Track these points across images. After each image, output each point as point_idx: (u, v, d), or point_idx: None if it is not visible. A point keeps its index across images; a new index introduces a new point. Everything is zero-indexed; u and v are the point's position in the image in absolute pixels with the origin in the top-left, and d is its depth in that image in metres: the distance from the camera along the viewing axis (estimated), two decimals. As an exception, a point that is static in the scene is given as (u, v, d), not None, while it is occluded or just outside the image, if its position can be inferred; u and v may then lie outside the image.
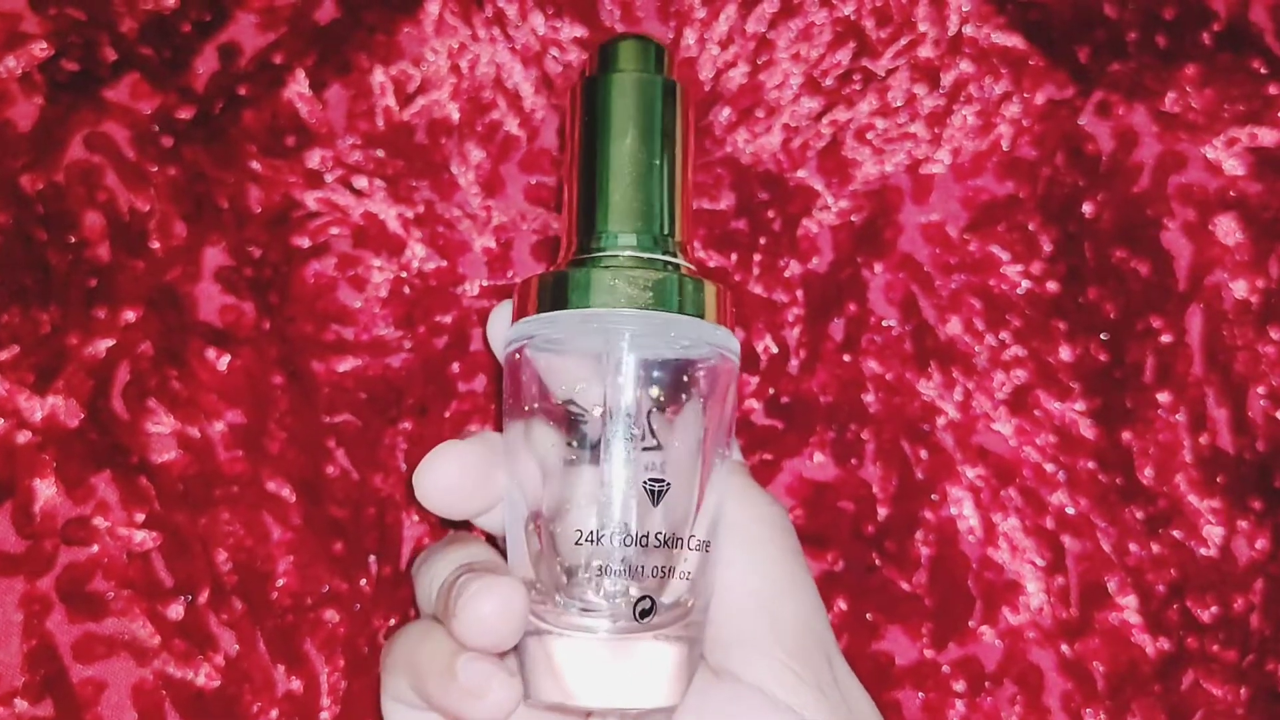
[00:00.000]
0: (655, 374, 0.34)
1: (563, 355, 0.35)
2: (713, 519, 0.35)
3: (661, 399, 0.34)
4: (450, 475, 0.36)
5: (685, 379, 0.35)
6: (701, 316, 0.34)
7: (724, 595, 0.35)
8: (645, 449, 0.34)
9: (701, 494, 0.35)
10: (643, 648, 0.34)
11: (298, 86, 0.51)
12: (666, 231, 0.35)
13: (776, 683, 0.34)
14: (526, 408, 0.35)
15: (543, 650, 0.34)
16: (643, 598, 0.34)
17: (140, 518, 0.47)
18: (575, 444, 0.34)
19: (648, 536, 0.34)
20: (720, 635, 0.35)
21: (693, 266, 0.36)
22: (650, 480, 0.34)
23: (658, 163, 0.35)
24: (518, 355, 0.35)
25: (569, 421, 0.34)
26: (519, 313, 0.35)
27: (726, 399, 0.35)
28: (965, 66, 0.52)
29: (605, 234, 0.35)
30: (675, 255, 0.35)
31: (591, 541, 0.34)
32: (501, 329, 0.37)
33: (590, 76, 0.36)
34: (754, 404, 0.48)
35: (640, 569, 0.34)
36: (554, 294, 0.34)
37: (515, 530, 0.36)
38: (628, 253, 0.35)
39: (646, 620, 0.34)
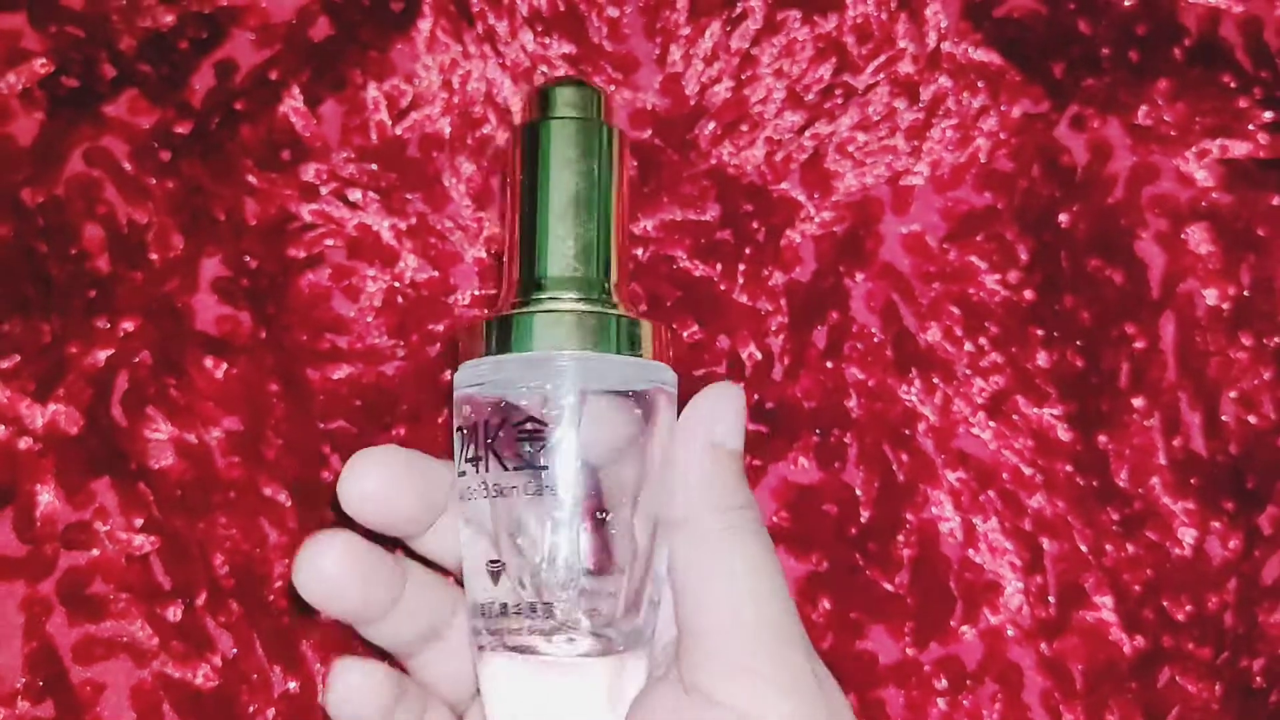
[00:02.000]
0: (596, 408, 0.35)
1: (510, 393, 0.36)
2: (655, 540, 0.36)
3: (604, 432, 0.35)
4: (373, 481, 0.36)
5: (626, 412, 0.35)
6: (638, 355, 0.35)
7: (697, 612, 0.35)
8: (580, 470, 0.34)
9: (639, 515, 0.35)
10: (593, 668, 0.35)
11: (293, 102, 0.52)
12: (603, 275, 0.36)
13: (755, 700, 0.33)
14: (476, 442, 0.35)
15: (496, 671, 0.36)
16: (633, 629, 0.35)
17: (139, 522, 0.47)
18: (519, 478, 0.35)
19: (591, 564, 0.34)
20: (693, 652, 0.35)
21: (629, 306, 0.37)
22: (599, 511, 0.35)
23: (596, 208, 0.36)
24: (464, 396, 0.36)
25: (514, 455, 0.35)
26: (465, 356, 0.36)
27: (665, 427, 0.36)
28: (944, 81, 0.53)
29: (545, 280, 0.36)
30: (612, 297, 0.36)
31: (536, 572, 0.34)
32: None
33: (529, 122, 0.37)
34: (739, 410, 0.50)
35: (586, 594, 0.34)
36: (498, 338, 0.35)
37: (471, 562, 0.36)
38: (568, 296, 0.35)
39: (635, 645, 0.36)
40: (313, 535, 0.36)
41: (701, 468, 0.36)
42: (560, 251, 0.36)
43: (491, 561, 0.35)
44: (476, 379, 0.36)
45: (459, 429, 0.36)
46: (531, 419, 0.34)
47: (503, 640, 0.35)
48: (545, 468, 0.34)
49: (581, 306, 0.35)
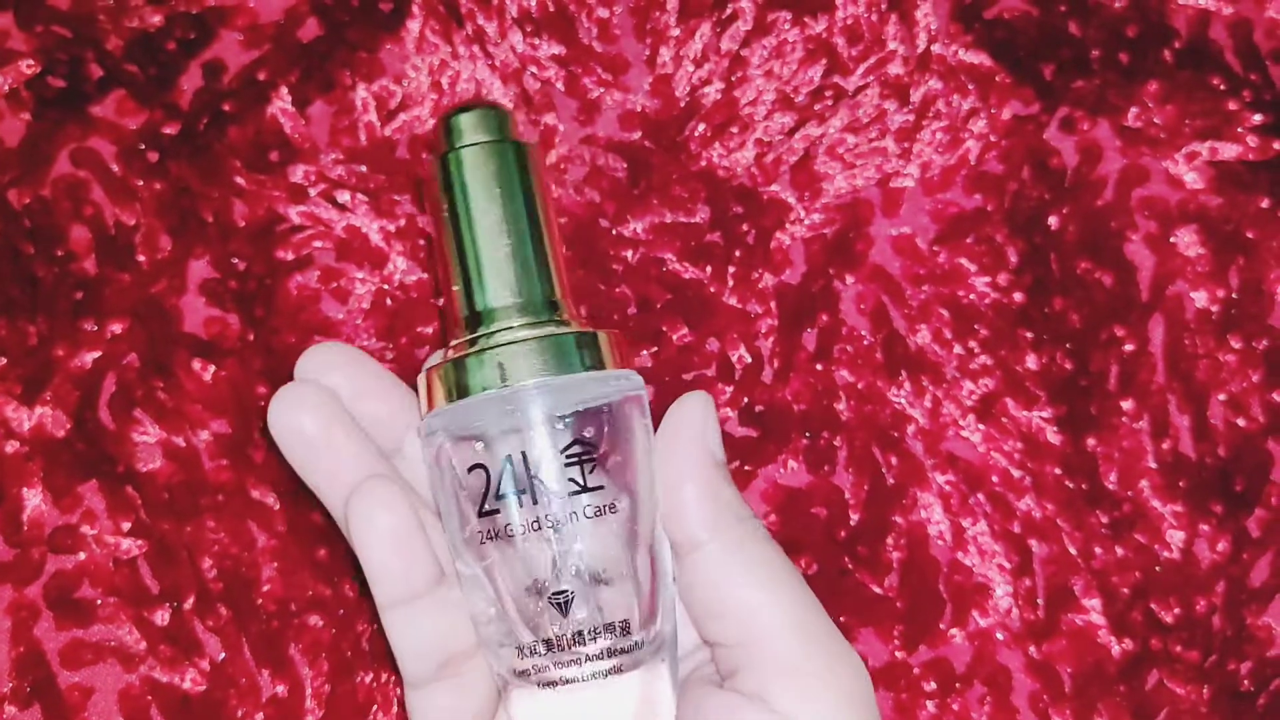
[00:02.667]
0: (571, 430, 0.35)
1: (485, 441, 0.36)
2: (657, 544, 0.36)
3: (584, 451, 0.35)
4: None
5: (600, 426, 0.35)
6: (601, 367, 0.35)
7: (735, 626, 0.35)
8: (575, 493, 0.34)
9: (639, 523, 0.36)
10: (624, 681, 0.35)
11: (281, 103, 0.52)
12: (547, 293, 0.36)
13: (808, 701, 0.34)
14: (512, 479, 0.35)
15: (528, 709, 0.36)
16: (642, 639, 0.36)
17: (127, 526, 0.47)
18: (512, 510, 0.35)
19: (586, 596, 0.35)
20: (741, 661, 0.35)
21: (578, 317, 0.37)
22: (606, 528, 0.35)
23: (524, 227, 0.36)
24: (438, 451, 0.36)
25: (500, 489, 0.35)
26: (428, 405, 0.36)
27: (643, 428, 0.36)
28: (934, 83, 0.53)
29: (491, 311, 0.35)
30: (559, 312, 0.36)
31: (548, 594, 0.35)
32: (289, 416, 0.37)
33: (441, 154, 0.37)
34: (729, 413, 0.50)
35: (599, 609, 0.35)
36: (457, 382, 0.35)
37: (490, 606, 0.36)
38: (517, 323, 0.35)
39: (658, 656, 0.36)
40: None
41: (710, 486, 0.36)
42: (498, 279, 0.36)
43: (557, 592, 0.35)
44: (442, 428, 0.35)
45: (474, 468, 0.35)
46: (579, 441, 0.34)
47: (529, 678, 0.35)
48: (600, 487, 0.34)
49: (533, 332, 0.35)
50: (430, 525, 0.37)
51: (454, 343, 0.36)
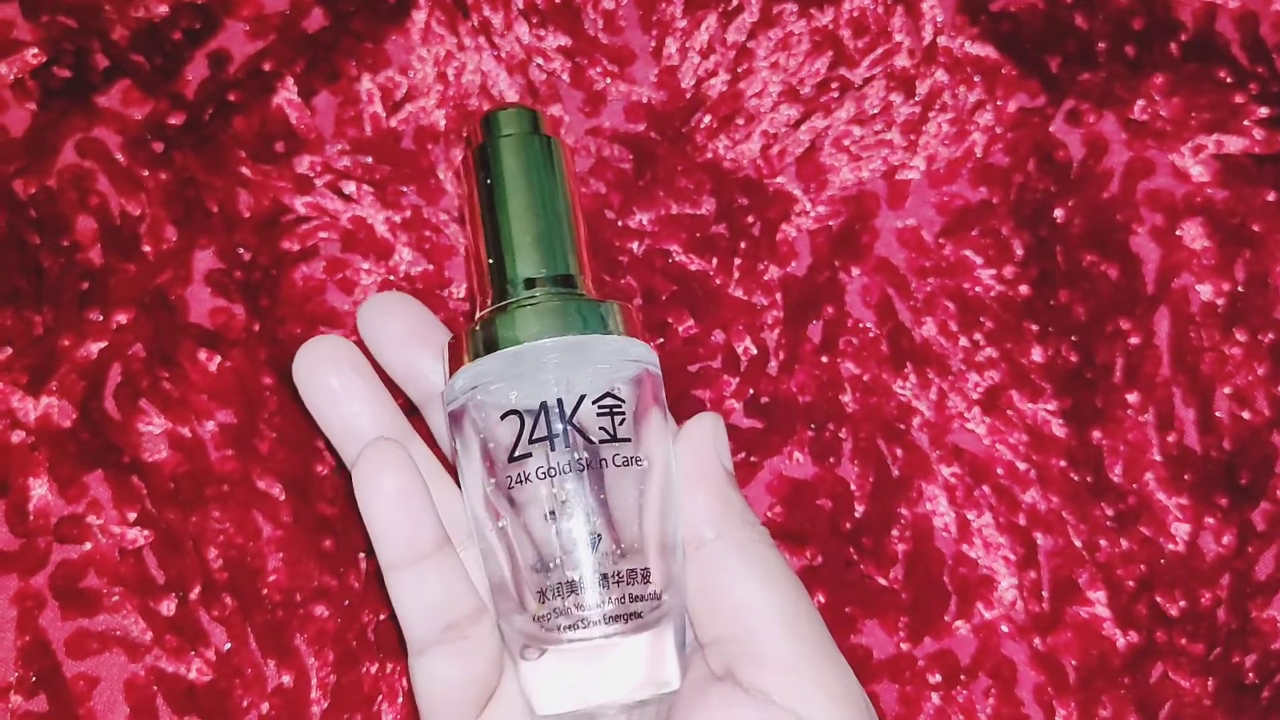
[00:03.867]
0: (587, 389, 0.36)
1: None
2: (668, 508, 0.37)
3: (614, 404, 0.37)
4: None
5: (624, 385, 0.37)
6: (617, 333, 0.37)
7: (738, 617, 0.36)
8: (605, 441, 0.36)
9: (660, 484, 0.37)
10: (633, 642, 0.36)
11: (287, 93, 0.52)
12: (572, 269, 0.38)
13: (803, 698, 0.35)
14: (487, 446, 0.37)
15: (541, 666, 0.36)
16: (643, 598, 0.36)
17: (132, 516, 0.47)
18: (544, 454, 0.36)
19: (612, 542, 0.36)
20: (746, 653, 0.36)
21: (596, 294, 0.39)
22: (616, 489, 0.36)
23: (552, 209, 0.39)
24: (463, 410, 0.37)
25: (534, 433, 0.36)
26: (452, 368, 0.38)
27: (655, 401, 0.38)
28: (940, 76, 0.53)
29: (517, 281, 0.38)
30: (580, 288, 0.38)
31: (577, 536, 0.36)
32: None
33: (479, 145, 0.40)
34: (734, 404, 0.50)
35: (622, 555, 0.36)
36: (484, 340, 0.37)
37: (495, 568, 0.37)
38: (544, 291, 0.38)
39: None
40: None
41: (720, 491, 0.37)
42: (527, 254, 0.38)
43: (590, 534, 0.36)
44: (470, 387, 0.37)
45: (508, 415, 0.36)
46: (610, 394, 0.36)
47: (549, 626, 0.36)
48: (628, 439, 0.36)
49: (557, 301, 0.37)
50: (437, 489, 0.38)
51: (481, 313, 0.38)
